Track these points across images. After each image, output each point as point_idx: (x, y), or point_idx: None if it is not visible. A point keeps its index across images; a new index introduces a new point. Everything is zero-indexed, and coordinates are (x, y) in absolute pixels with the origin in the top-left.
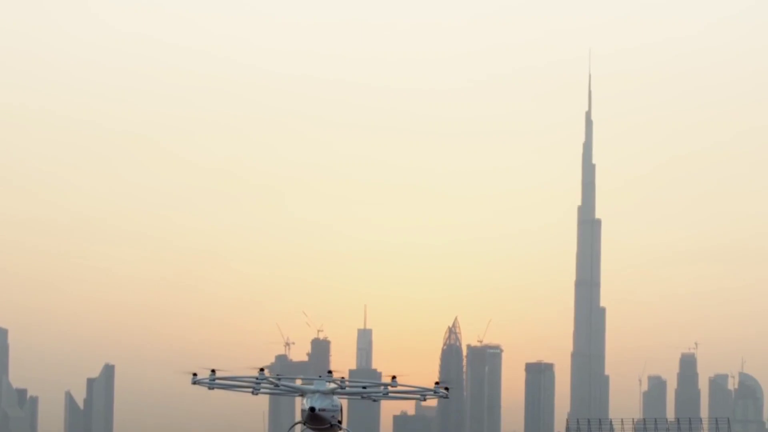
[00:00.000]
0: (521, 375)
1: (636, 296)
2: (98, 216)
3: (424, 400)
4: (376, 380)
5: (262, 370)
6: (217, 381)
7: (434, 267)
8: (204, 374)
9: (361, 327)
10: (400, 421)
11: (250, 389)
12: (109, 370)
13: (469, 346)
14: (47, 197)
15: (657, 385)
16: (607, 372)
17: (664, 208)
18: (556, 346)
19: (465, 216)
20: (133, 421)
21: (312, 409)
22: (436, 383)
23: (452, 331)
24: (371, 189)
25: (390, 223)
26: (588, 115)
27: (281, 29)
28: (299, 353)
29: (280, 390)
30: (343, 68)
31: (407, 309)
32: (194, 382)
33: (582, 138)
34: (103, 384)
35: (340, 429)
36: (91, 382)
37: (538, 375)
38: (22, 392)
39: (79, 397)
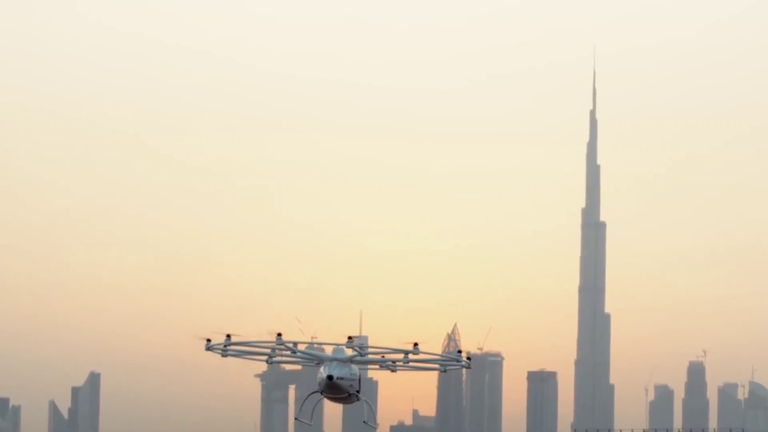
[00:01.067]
0: (523, 384)
1: (642, 302)
2: (83, 218)
3: (445, 371)
4: (396, 348)
5: (279, 335)
6: (231, 348)
7: (433, 271)
8: (219, 340)
9: (357, 334)
10: (397, 431)
11: (265, 357)
12: (94, 379)
13: (468, 354)
14: (31, 198)
15: (664, 394)
16: (612, 380)
17: (672, 211)
18: (559, 354)
19: (465, 218)
20: (120, 430)
21: (330, 377)
22: (459, 351)
23: (451, 338)
24: (369, 190)
25: (387, 226)
26: (592, 113)
27: (281, 29)
28: None
29: (297, 357)
30: (343, 68)
31: (404, 315)
32: (208, 348)
33: (586, 138)
34: (88, 393)
35: (358, 399)
36: (75, 390)
37: (541, 384)
38: (4, 401)
39: (64, 406)
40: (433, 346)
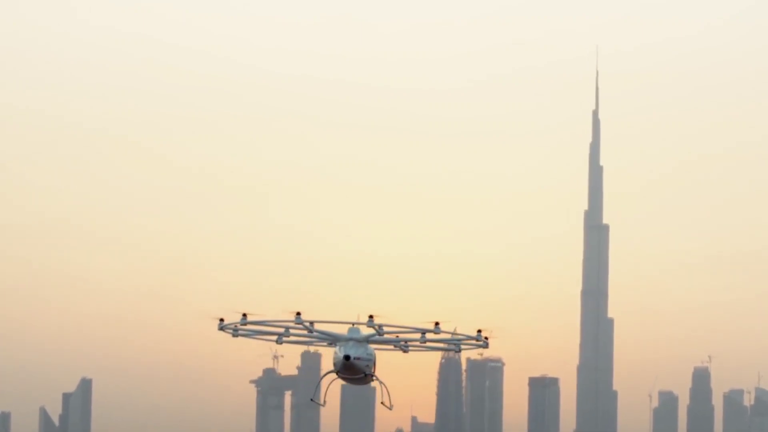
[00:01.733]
0: (524, 390)
1: (646, 306)
2: (76, 221)
3: (459, 351)
4: (417, 327)
5: (299, 314)
6: (242, 327)
7: (431, 275)
8: (232, 319)
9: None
10: None
11: (276, 336)
12: (86, 385)
13: (468, 359)
14: (20, 201)
15: (668, 400)
16: (615, 387)
17: (676, 214)
18: (561, 359)
19: (463, 221)
20: None
21: (347, 357)
22: (479, 331)
23: None
24: (366, 192)
25: (386, 229)
26: (595, 114)
27: (278, 29)
28: (288, 366)
29: (313, 337)
30: (344, 68)
31: (402, 319)
32: (221, 328)
33: (589, 138)
34: (79, 399)
35: (372, 380)
36: (67, 397)
37: (542, 390)
38: None
39: (55, 413)
40: (430, 358)
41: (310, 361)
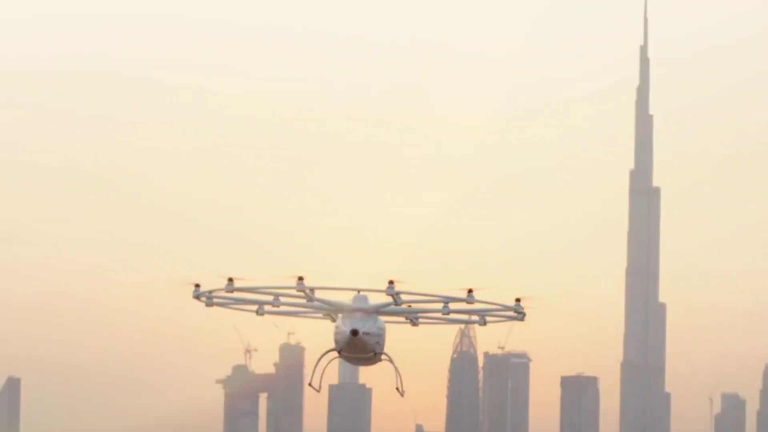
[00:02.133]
0: (555, 392)
1: (705, 289)
2: None
3: (484, 324)
4: (444, 296)
5: (301, 279)
6: (221, 295)
7: (442, 249)
8: (213, 286)
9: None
10: None
11: (256, 306)
12: (13, 384)
13: (486, 355)
14: None
15: (733, 405)
16: (667, 388)
17: (743, 173)
18: (602, 355)
19: (485, 186)
20: None
21: (354, 332)
22: (517, 300)
23: (465, 335)
24: (389, 154)
25: (386, 196)
26: (643, 51)
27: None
28: (264, 362)
29: (309, 306)
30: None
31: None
32: (196, 296)
33: (636, 81)
34: (6, 400)
35: (381, 359)
36: None
37: (578, 391)
38: None
39: None
40: (445, 342)
41: (291, 357)
